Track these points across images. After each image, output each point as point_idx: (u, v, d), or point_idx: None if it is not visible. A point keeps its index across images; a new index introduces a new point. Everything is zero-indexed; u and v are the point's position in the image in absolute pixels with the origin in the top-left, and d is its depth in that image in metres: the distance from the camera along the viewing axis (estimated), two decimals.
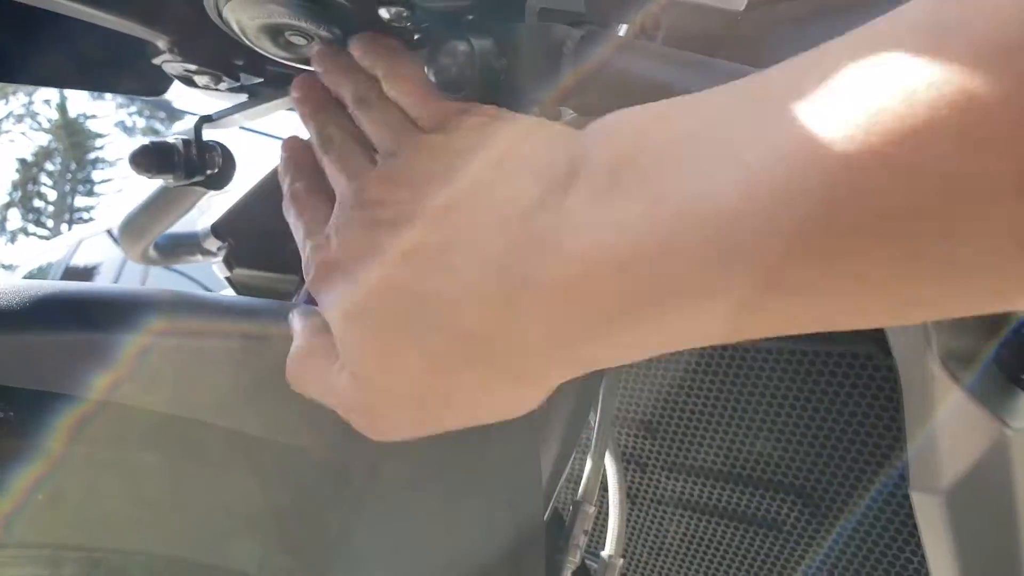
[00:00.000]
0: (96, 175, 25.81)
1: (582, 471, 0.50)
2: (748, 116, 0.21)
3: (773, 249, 0.19)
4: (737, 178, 0.20)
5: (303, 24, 0.46)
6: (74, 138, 24.40)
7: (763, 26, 0.45)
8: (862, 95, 0.18)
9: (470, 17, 0.38)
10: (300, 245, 0.34)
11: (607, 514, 0.59)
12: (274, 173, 0.72)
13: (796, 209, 0.18)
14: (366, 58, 0.39)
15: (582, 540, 0.42)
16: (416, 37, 0.38)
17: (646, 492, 0.69)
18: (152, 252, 0.72)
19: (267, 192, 0.70)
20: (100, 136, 25.07)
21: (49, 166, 25.03)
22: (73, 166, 25.19)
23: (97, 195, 25.74)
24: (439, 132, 0.30)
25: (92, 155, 25.31)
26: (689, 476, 0.66)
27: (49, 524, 0.30)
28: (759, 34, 0.44)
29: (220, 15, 0.47)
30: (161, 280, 3.70)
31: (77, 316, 0.32)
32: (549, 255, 0.23)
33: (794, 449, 0.58)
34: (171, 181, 0.58)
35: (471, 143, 0.29)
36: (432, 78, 0.34)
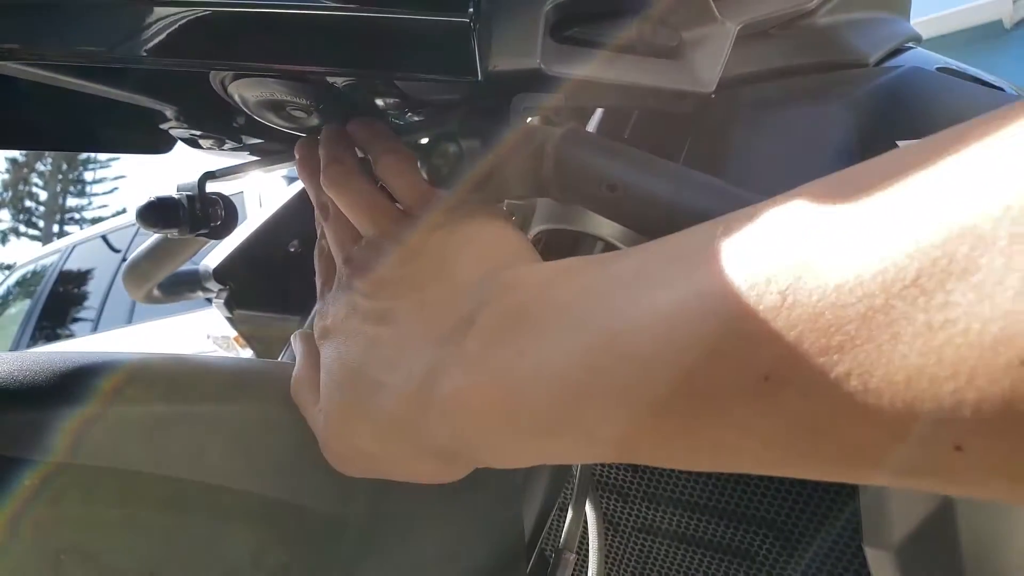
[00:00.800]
0: (87, 175, 25.69)
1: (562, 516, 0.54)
2: (636, 287, 0.24)
3: (616, 405, 0.23)
4: (593, 341, 0.24)
5: (304, 101, 0.49)
6: None
7: (732, 109, 0.48)
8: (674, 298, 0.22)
9: (458, 103, 0.41)
10: (318, 299, 0.40)
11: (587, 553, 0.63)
12: (275, 217, 0.75)
13: (632, 376, 0.22)
14: (361, 138, 0.43)
15: None
16: (403, 123, 0.42)
17: (627, 521, 0.73)
18: (156, 292, 0.75)
19: (267, 236, 0.74)
20: None
21: (40, 166, 24.88)
22: (64, 166, 25.05)
23: (88, 195, 25.61)
24: (414, 227, 0.35)
25: (83, 155, 25.19)
26: (668, 507, 0.69)
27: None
28: (729, 116, 0.48)
29: (225, 91, 0.50)
30: None
31: (82, 388, 0.34)
32: (446, 380, 0.29)
33: (766, 483, 0.61)
34: (175, 234, 0.61)
35: (433, 251, 0.34)
36: (425, 176, 0.38)
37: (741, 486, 0.62)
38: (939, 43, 6.45)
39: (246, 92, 0.50)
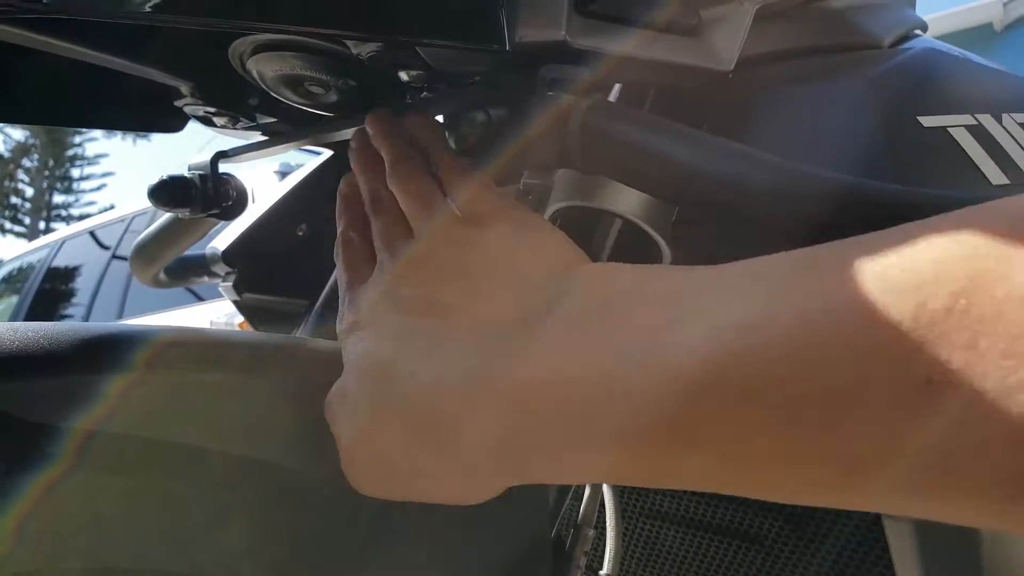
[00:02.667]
0: (74, 172, 25.48)
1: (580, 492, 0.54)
2: (706, 300, 0.23)
3: (688, 416, 0.21)
4: (671, 352, 0.22)
5: (323, 76, 0.49)
6: (52, 134, 24.06)
7: (751, 87, 0.48)
8: (785, 304, 0.21)
9: (477, 78, 0.41)
10: (340, 292, 0.37)
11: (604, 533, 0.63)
12: (283, 200, 0.75)
13: (756, 375, 0.20)
14: (417, 131, 0.41)
15: (582, 561, 0.46)
16: (426, 97, 0.41)
17: (637, 507, 0.73)
18: (163, 276, 0.74)
19: (276, 219, 0.73)
20: (79, 132, 24.74)
21: (26, 163, 24.66)
22: (51, 163, 24.83)
23: (75, 192, 25.40)
24: (470, 226, 0.33)
25: (70, 152, 24.99)
26: (678, 491, 0.70)
27: (50, 546, 0.32)
28: (747, 95, 0.48)
29: (243, 66, 0.50)
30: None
31: (86, 357, 0.34)
32: (513, 370, 0.27)
33: None
34: (187, 214, 0.60)
35: (490, 247, 0.32)
36: (452, 144, 0.38)
37: None
38: None
39: (264, 67, 0.50)
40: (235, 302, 0.75)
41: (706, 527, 0.69)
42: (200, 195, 0.59)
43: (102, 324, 0.37)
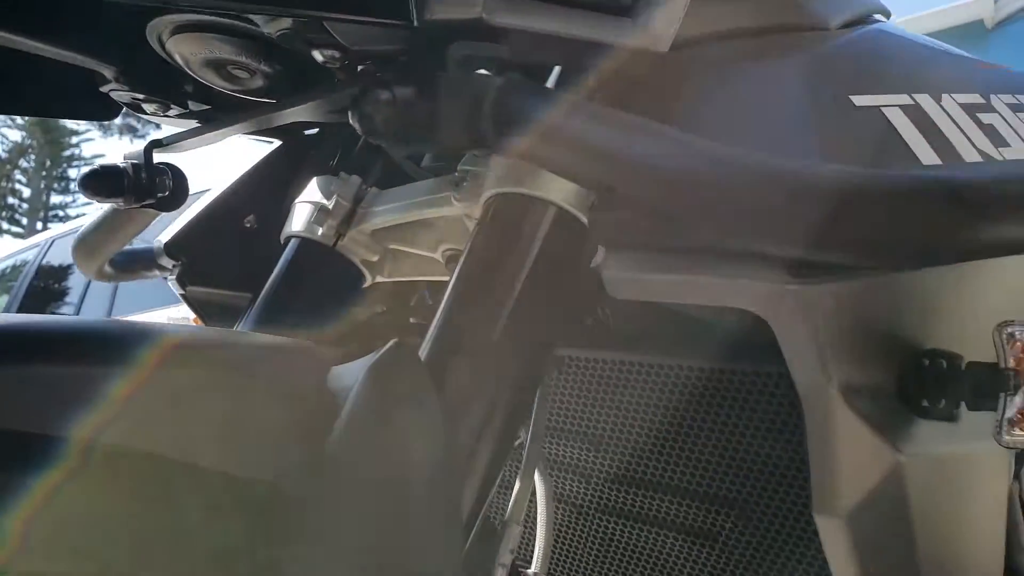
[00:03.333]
0: (72, 172, 25.41)
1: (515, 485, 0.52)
2: None
3: None
4: None
5: (243, 59, 0.47)
6: (50, 135, 24.00)
7: (688, 68, 0.47)
8: None
9: (402, 60, 0.40)
10: None
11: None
12: (229, 191, 0.73)
13: None
14: None
15: (508, 559, 0.44)
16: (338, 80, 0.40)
17: (591, 503, 0.71)
18: (108, 269, 0.72)
19: (222, 211, 0.71)
20: (76, 133, 24.68)
21: (23, 163, 24.60)
22: (48, 163, 24.77)
23: (72, 193, 25.34)
24: None
25: (67, 152, 24.92)
26: (631, 487, 0.68)
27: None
28: (683, 76, 0.46)
29: (164, 48, 0.49)
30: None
31: (39, 352, 0.33)
32: None
33: (727, 463, 0.60)
34: (121, 204, 0.59)
35: None
36: (356, 125, 0.36)
37: (700, 468, 0.61)
38: None
39: (184, 49, 0.48)
40: (182, 296, 0.73)
41: (661, 524, 0.67)
42: (133, 185, 0.57)
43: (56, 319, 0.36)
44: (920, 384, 0.40)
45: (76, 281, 5.09)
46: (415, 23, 0.36)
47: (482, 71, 0.37)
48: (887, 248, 0.33)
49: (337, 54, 0.41)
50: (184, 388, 0.40)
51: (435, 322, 0.45)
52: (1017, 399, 0.36)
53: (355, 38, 0.39)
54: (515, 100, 0.36)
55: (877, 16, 0.64)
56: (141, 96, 0.54)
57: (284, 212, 0.69)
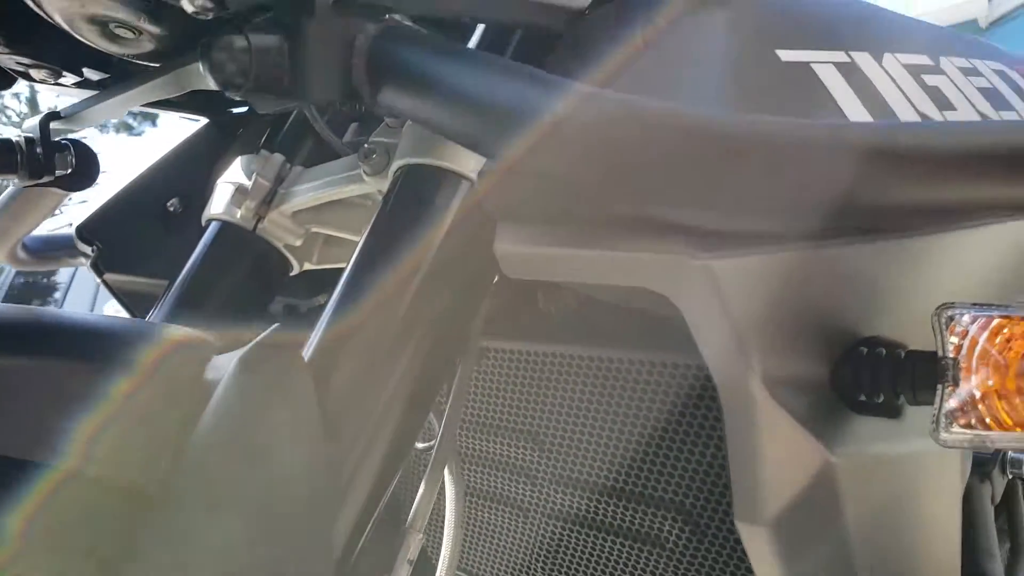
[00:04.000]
0: None
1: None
2: None
3: None
4: None
5: (122, 16, 0.43)
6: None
7: (607, 24, 0.42)
8: None
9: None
10: None
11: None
12: (150, 173, 0.69)
13: None
14: None
15: (406, 570, 0.40)
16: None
17: (537, 505, 0.67)
18: (21, 253, 0.68)
19: (140, 193, 0.67)
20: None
21: None
22: None
23: None
24: None
25: None
26: (576, 489, 0.64)
27: None
28: (602, 32, 0.42)
29: (39, 5, 0.44)
30: None
31: None
32: None
33: (669, 465, 0.56)
34: (15, 181, 0.54)
35: None
36: (207, 76, 0.31)
37: (644, 470, 0.57)
38: None
39: (60, 4, 0.44)
40: (104, 283, 0.69)
41: (607, 529, 0.63)
42: (27, 161, 0.53)
43: None
44: (856, 376, 0.36)
45: (62, 276, 5.05)
46: None
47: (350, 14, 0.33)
48: (805, 210, 0.29)
49: (209, 3, 0.36)
50: (40, 380, 0.37)
51: (327, 309, 0.41)
52: (959, 391, 0.32)
53: None
54: (391, 49, 0.32)
55: None
56: (27, 61, 0.49)
57: (209, 194, 0.64)
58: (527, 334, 0.56)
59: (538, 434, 0.63)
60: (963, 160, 0.29)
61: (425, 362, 0.40)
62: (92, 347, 0.37)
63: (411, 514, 0.41)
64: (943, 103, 0.37)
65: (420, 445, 0.46)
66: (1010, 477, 0.78)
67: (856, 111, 0.33)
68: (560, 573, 0.67)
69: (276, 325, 0.39)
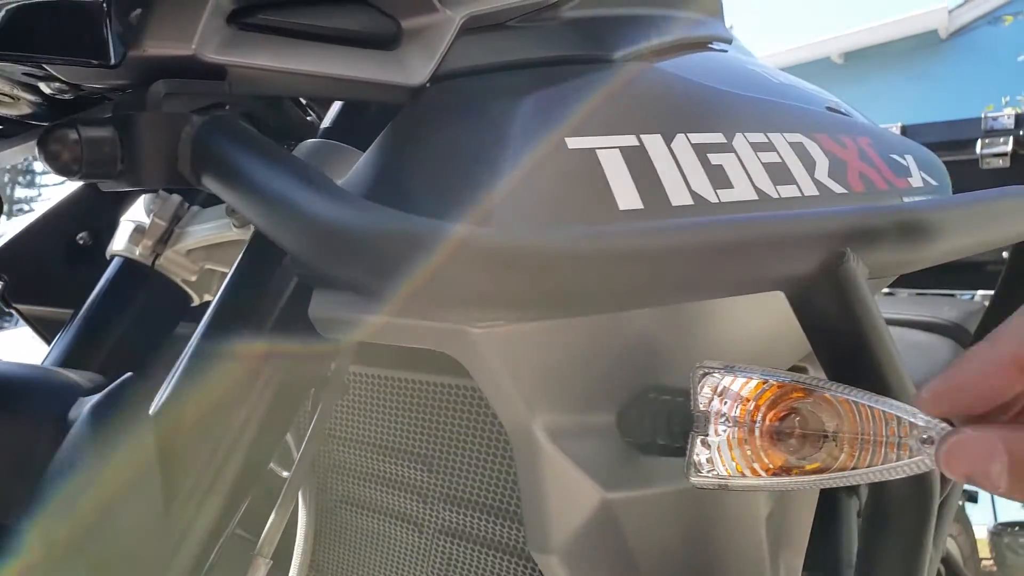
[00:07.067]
0: (37, 166, 24.92)
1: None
2: None
3: None
4: None
5: None
6: None
7: (430, 105, 0.46)
8: None
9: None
10: None
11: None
12: (62, 205, 0.72)
13: None
14: None
15: None
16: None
17: (430, 523, 0.71)
18: None
19: (50, 226, 0.70)
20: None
21: None
22: None
23: (38, 187, 24.86)
24: None
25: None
26: (465, 509, 0.68)
27: None
28: (435, 108, 0.46)
29: None
30: None
31: None
32: None
33: (514, 478, 0.60)
34: None
35: None
36: (43, 163, 0.36)
37: (495, 482, 0.61)
38: (875, 52, 6.59)
39: None
40: (16, 311, 0.72)
41: (499, 548, 0.67)
42: None
43: None
44: (640, 419, 0.41)
45: None
46: (113, 62, 0.36)
47: (185, 110, 0.37)
48: (553, 302, 0.34)
49: (65, 87, 0.41)
50: None
51: (182, 357, 0.45)
52: (708, 441, 0.36)
53: (73, 74, 0.39)
54: (212, 141, 0.36)
55: (715, 45, 0.64)
56: None
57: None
58: (379, 361, 0.60)
59: (426, 455, 0.67)
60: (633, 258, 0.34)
61: (271, 403, 0.45)
62: None
63: (260, 540, 0.45)
64: (721, 182, 0.42)
65: (284, 473, 0.50)
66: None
67: (627, 197, 0.38)
68: None
69: (129, 375, 0.43)
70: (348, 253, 0.32)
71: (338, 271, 0.33)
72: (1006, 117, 2.04)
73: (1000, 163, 1.80)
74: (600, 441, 0.41)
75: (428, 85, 0.46)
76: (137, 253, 0.64)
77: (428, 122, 0.43)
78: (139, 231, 0.64)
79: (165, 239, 0.64)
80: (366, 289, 0.34)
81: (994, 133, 2.02)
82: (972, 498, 2.06)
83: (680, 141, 0.43)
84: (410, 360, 0.59)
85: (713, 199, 0.41)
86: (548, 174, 0.38)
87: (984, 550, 2.76)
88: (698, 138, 0.44)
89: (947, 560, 1.40)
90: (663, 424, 0.41)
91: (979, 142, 1.95)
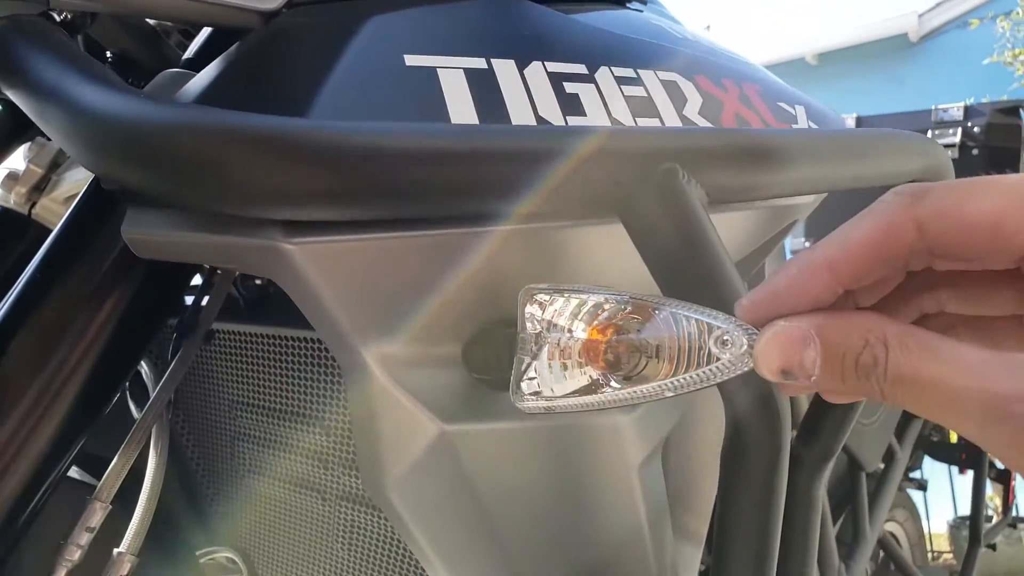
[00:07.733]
0: None
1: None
2: None
3: None
4: None
5: None
6: None
7: (283, 31, 0.44)
8: None
9: None
10: None
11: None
12: None
13: None
14: None
15: (85, 538, 0.42)
16: None
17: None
18: None
19: None
20: None
21: None
22: None
23: None
24: None
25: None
26: (303, 458, 0.64)
27: None
28: (275, 40, 0.44)
29: None
30: None
31: None
32: None
33: None
34: None
35: None
36: None
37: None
38: (848, 54, 6.66)
39: None
40: None
41: (332, 494, 0.65)
42: None
43: None
44: (484, 353, 0.39)
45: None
46: None
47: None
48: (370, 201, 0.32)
49: None
50: None
51: (20, 280, 0.43)
52: (535, 363, 0.35)
53: None
54: (12, 43, 0.34)
55: (632, 5, 0.62)
56: None
57: None
58: (235, 316, 0.58)
59: (258, 406, 0.64)
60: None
61: (109, 340, 0.42)
62: None
63: (99, 485, 0.43)
64: (573, 109, 0.40)
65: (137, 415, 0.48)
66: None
67: (463, 113, 0.36)
68: (291, 536, 0.68)
69: None
70: (130, 150, 0.30)
71: (119, 174, 0.31)
72: (955, 109, 2.07)
73: (949, 153, 1.81)
74: (443, 373, 0.39)
75: (284, 11, 0.45)
76: (12, 201, 0.61)
77: (270, 43, 0.41)
78: (12, 178, 0.61)
79: (41, 187, 0.61)
80: (164, 198, 0.32)
81: (944, 124, 2.06)
82: (922, 486, 2.08)
83: (535, 67, 0.41)
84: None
85: (560, 123, 0.39)
86: (378, 88, 0.36)
87: (943, 544, 2.79)
88: (556, 67, 0.42)
89: (884, 542, 1.40)
90: (507, 357, 0.39)
91: (929, 133, 1.97)
